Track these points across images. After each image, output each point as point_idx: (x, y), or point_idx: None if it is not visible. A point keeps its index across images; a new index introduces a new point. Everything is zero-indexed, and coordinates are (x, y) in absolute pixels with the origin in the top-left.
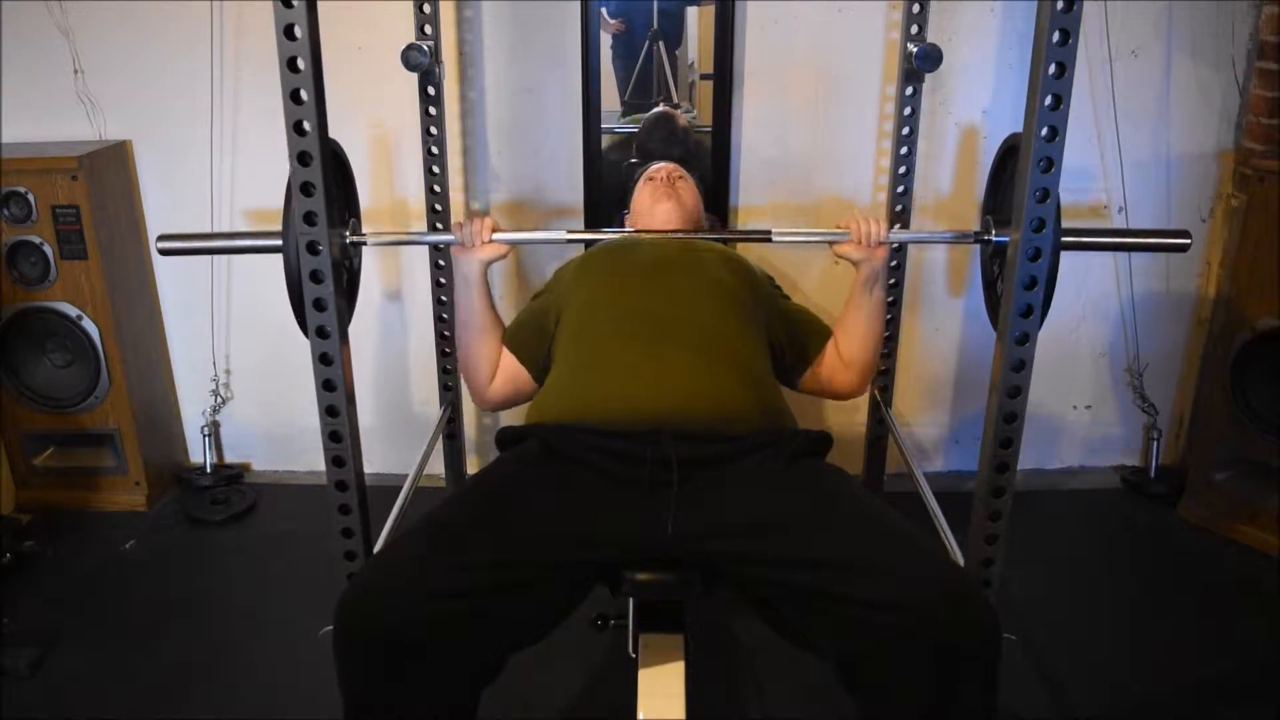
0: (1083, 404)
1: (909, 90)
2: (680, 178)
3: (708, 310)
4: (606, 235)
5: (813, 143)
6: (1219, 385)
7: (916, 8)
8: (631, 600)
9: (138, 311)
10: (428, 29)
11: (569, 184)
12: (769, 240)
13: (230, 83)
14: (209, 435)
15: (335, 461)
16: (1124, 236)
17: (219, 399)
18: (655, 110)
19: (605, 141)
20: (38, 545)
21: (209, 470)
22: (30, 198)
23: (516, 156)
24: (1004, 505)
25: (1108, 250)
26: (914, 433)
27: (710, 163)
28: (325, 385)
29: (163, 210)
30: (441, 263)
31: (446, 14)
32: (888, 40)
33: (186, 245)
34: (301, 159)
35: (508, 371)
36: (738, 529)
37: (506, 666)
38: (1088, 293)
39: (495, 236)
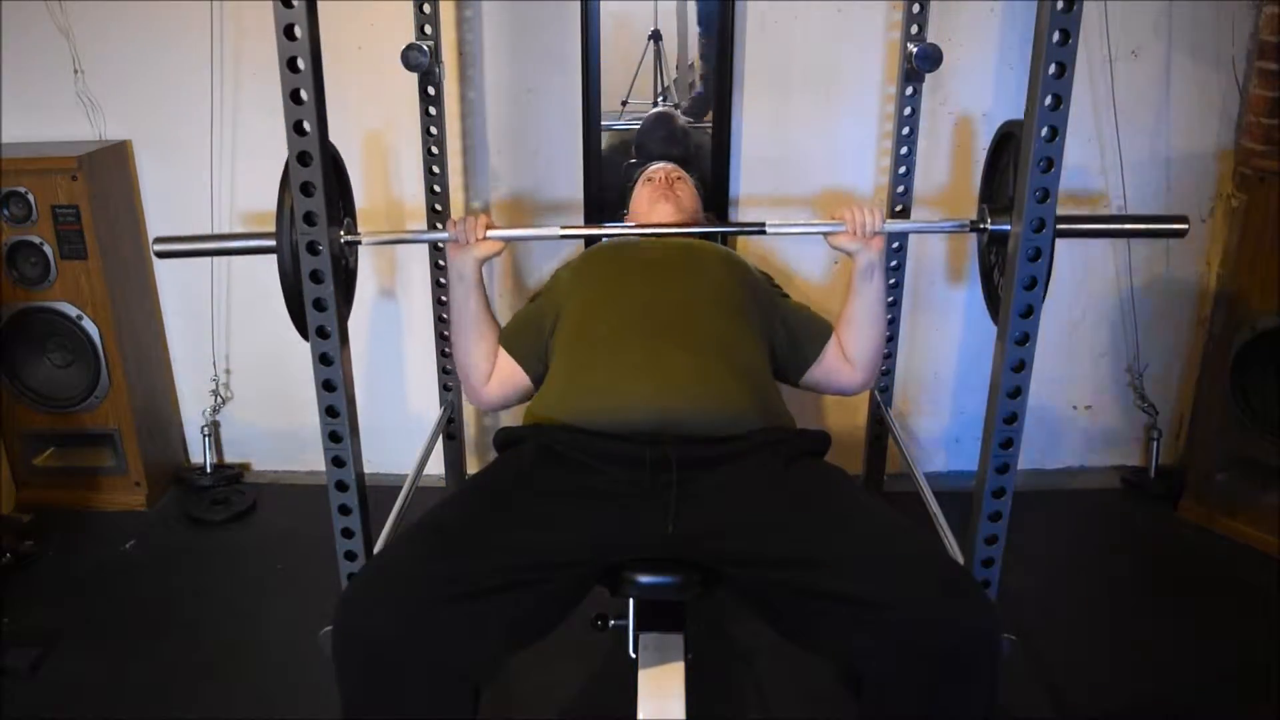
0: (1083, 404)
1: (909, 90)
2: (679, 178)
3: (706, 312)
4: (601, 231)
5: (812, 143)
6: (1219, 385)
7: (916, 8)
8: (631, 600)
9: (138, 311)
10: (428, 29)
11: (569, 184)
12: (763, 233)
13: (230, 83)
14: (209, 435)
15: (335, 461)
16: (1121, 223)
17: (219, 399)
18: (654, 110)
19: (605, 141)
20: (38, 545)
21: (209, 470)
22: (30, 198)
23: (516, 157)
24: (1004, 505)
25: (1104, 236)
26: (914, 433)
27: (710, 163)
28: (325, 385)
29: (163, 210)
30: (441, 263)
31: (446, 14)
32: (888, 40)
33: (183, 248)
34: (301, 159)
35: (504, 373)
36: (737, 529)
37: (507, 666)
38: (1088, 293)
39: (489, 234)
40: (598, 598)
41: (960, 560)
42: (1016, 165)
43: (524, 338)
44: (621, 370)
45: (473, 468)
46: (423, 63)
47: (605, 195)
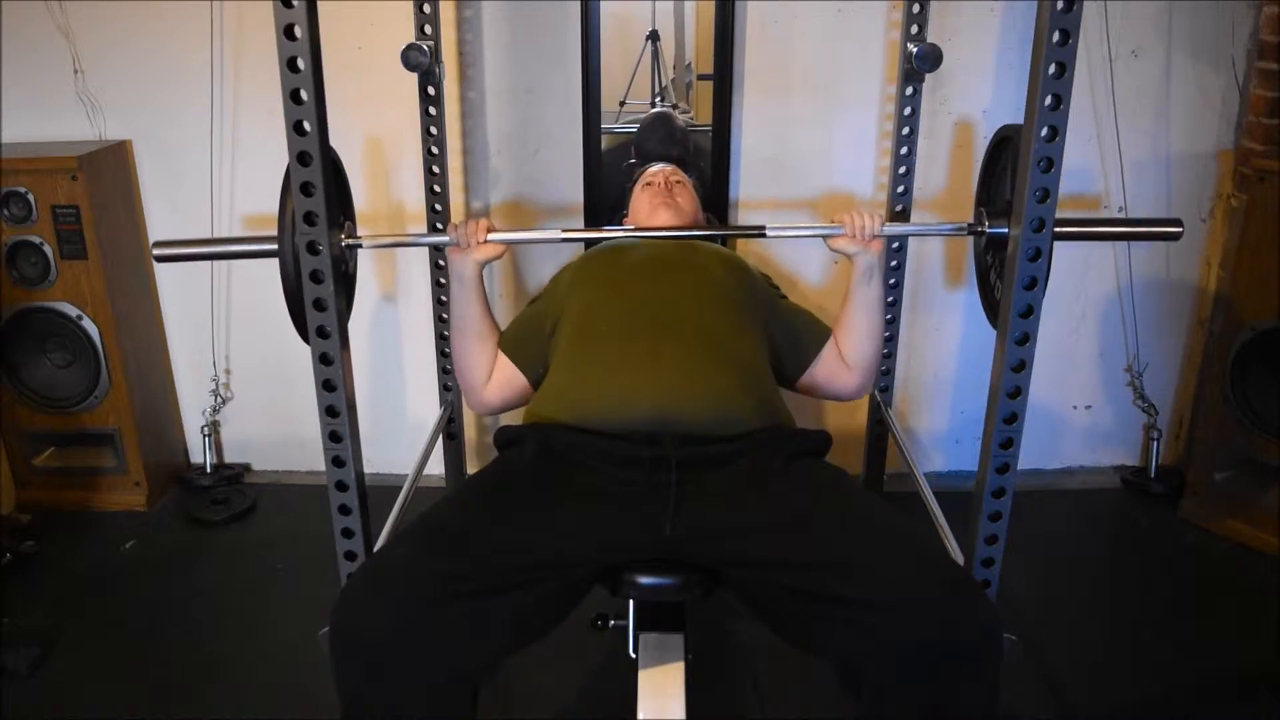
0: (1083, 404)
1: (909, 90)
2: (678, 182)
3: (706, 310)
4: (601, 234)
5: (812, 143)
6: (1219, 385)
7: (916, 8)
8: (631, 601)
9: (138, 311)
10: (428, 29)
11: (569, 184)
12: (763, 235)
13: (230, 83)
14: (209, 435)
15: (335, 461)
16: (1117, 225)
17: (219, 399)
18: (653, 111)
19: (605, 142)
20: (38, 545)
21: (209, 470)
22: (30, 198)
23: (516, 157)
24: (1004, 505)
25: (1101, 239)
26: (914, 433)
27: (710, 163)
28: (325, 385)
29: (163, 210)
30: (441, 263)
31: (446, 14)
32: (888, 40)
33: (183, 251)
34: (302, 159)
35: (504, 375)
36: (736, 530)
37: (507, 666)
38: (1088, 293)
39: (490, 236)
40: (598, 598)
41: (960, 560)
42: (1014, 168)
43: (524, 341)
44: (621, 370)
45: (473, 468)
46: (423, 63)
47: (605, 195)
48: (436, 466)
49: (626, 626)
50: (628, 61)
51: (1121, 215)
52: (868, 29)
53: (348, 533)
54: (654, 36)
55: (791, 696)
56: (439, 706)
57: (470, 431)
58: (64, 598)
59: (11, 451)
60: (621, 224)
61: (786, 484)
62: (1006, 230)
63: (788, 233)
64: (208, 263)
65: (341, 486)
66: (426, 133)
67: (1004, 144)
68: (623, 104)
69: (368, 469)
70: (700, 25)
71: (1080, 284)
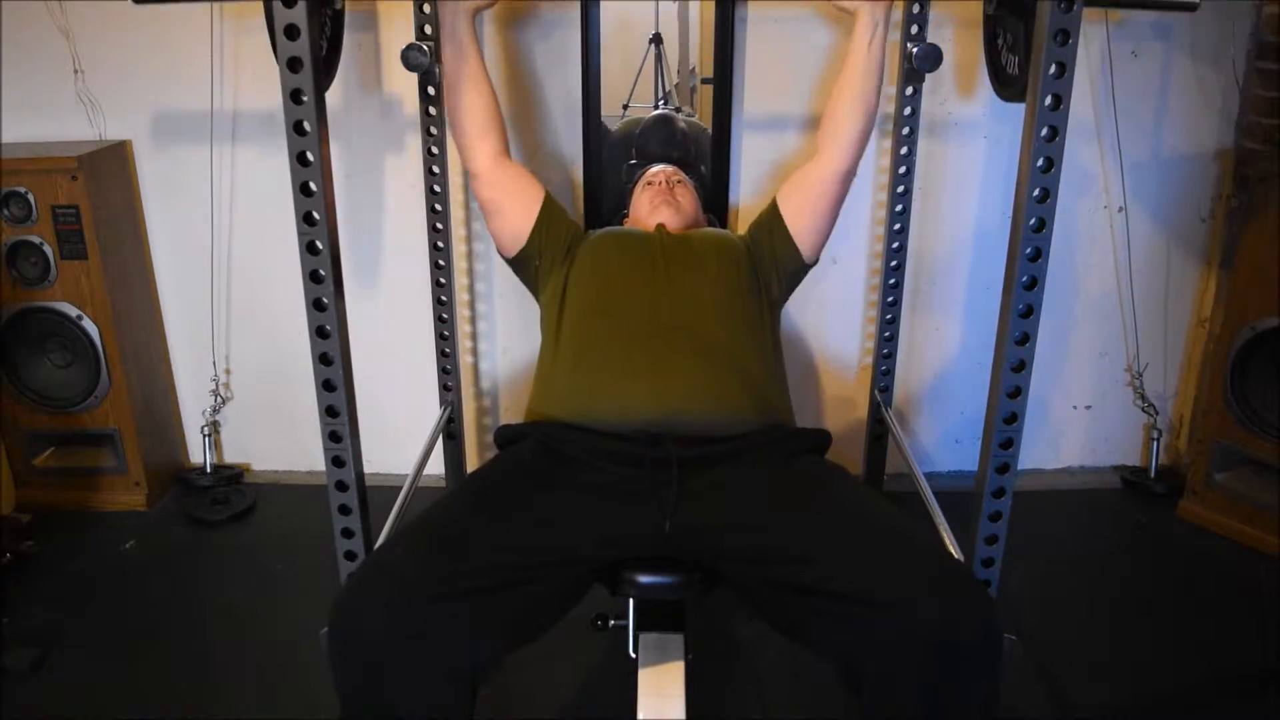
0: (1083, 404)
1: (909, 90)
2: (679, 182)
3: (708, 312)
4: None
5: (813, 144)
6: (1219, 385)
7: (916, 8)
8: (631, 600)
9: (138, 311)
10: (428, 29)
11: (569, 184)
12: None
13: (230, 83)
14: (209, 435)
15: (335, 461)
16: None
17: (219, 399)
18: (655, 113)
19: (605, 141)
20: (38, 545)
21: (209, 470)
22: (30, 198)
23: (516, 156)
24: (1004, 505)
25: (1121, 7)
26: (914, 433)
27: (710, 164)
28: (325, 385)
29: (163, 210)
30: (441, 263)
31: None
32: (888, 40)
33: None
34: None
35: (527, 194)
36: (736, 528)
37: (506, 666)
38: (1088, 293)
39: None
40: (598, 597)
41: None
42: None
43: (555, 216)
44: (624, 371)
45: (473, 467)
46: (423, 63)
47: (605, 195)
48: (436, 466)
49: (626, 626)
50: (631, 65)
51: (1125, 225)
52: None
53: (348, 533)
54: (657, 40)
55: (791, 696)
56: (438, 705)
57: (470, 431)
58: (64, 598)
59: (11, 451)
60: (622, 224)
61: (786, 481)
62: None
63: None
64: (208, 263)
65: (341, 486)
66: (426, 133)
67: None
68: (626, 107)
69: (368, 469)
70: (704, 28)
71: (1080, 284)
